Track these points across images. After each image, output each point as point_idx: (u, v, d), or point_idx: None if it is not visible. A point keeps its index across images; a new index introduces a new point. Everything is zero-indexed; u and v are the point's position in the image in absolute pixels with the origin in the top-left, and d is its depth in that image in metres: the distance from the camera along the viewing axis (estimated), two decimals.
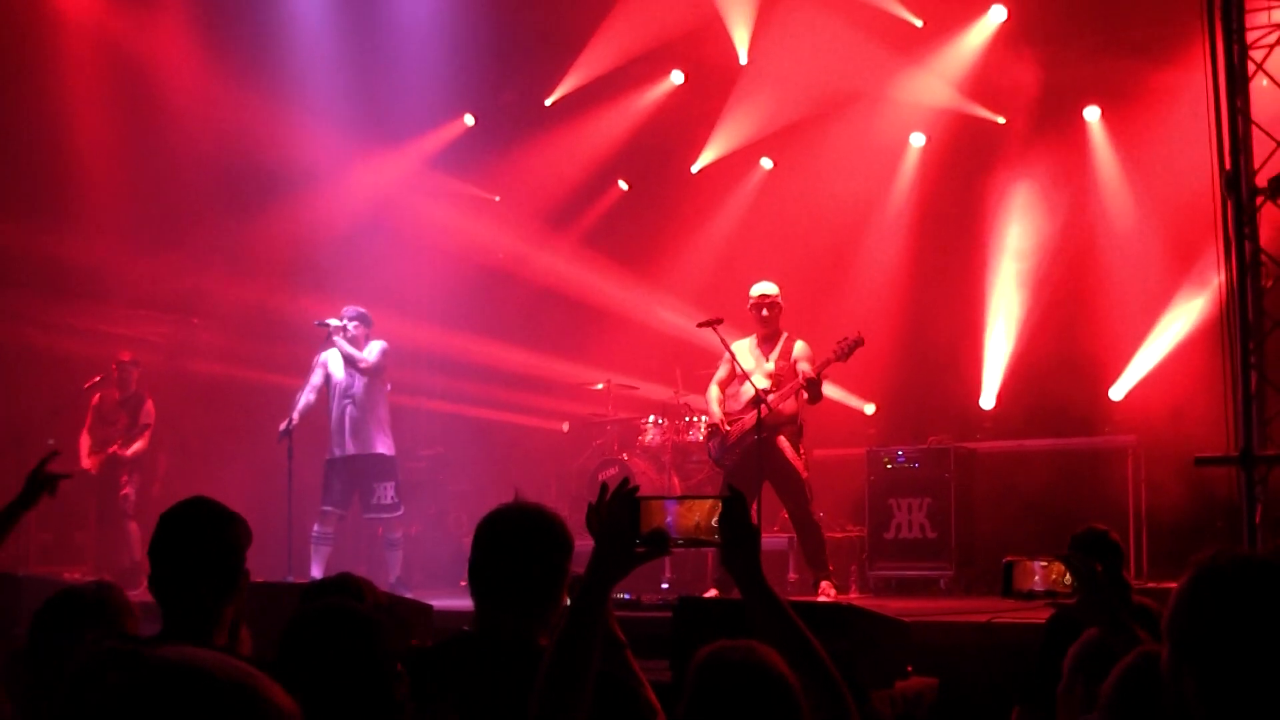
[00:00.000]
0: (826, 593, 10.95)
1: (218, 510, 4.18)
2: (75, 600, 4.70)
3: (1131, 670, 3.10)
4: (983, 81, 14.51)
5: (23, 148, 14.98)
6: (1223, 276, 8.37)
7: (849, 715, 3.18)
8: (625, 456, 14.19)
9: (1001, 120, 14.59)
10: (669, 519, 3.31)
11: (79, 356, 15.56)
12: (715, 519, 3.29)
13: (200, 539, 4.09)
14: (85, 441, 14.32)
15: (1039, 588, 3.82)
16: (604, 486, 3.40)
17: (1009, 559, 3.85)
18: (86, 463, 14.22)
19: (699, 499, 3.38)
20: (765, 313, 11.52)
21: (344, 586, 4.80)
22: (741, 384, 11.41)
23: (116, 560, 13.97)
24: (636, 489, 3.36)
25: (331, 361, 12.71)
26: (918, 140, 15.53)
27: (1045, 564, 3.80)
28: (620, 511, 3.30)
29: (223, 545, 4.11)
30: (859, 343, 11.16)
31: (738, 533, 3.29)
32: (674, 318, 15.03)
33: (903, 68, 14.68)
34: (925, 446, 12.90)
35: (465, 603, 10.16)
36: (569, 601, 4.02)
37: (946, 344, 14.84)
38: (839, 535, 13.10)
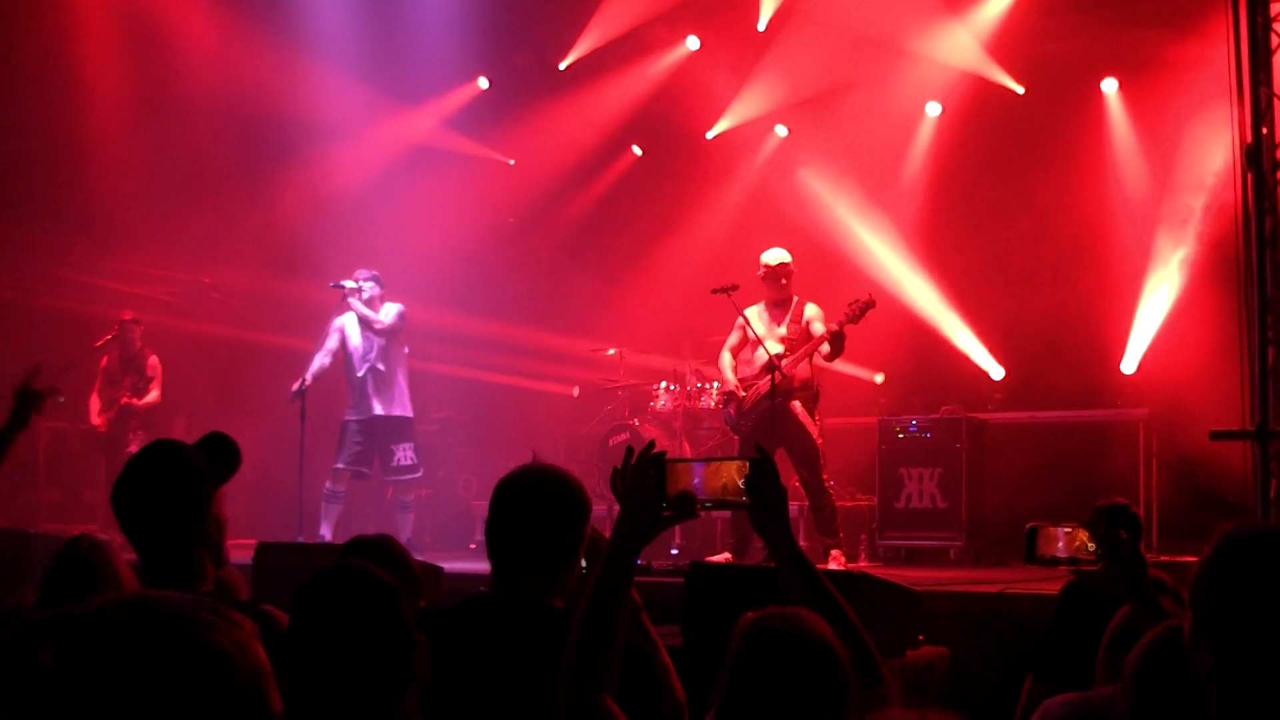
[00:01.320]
0: (836, 561, 10.94)
1: (178, 453, 4.10)
2: (73, 559, 4.69)
3: (1156, 643, 3.08)
4: (1000, 51, 14.44)
5: (36, 104, 14.96)
6: (1242, 250, 8.35)
7: (879, 678, 3.17)
8: (636, 422, 14.16)
9: (1020, 90, 14.49)
10: (696, 481, 3.29)
11: (90, 316, 15.57)
12: (742, 480, 3.27)
13: (159, 483, 4.01)
14: (94, 402, 14.37)
15: (1062, 554, 3.81)
16: (629, 450, 3.37)
17: (1032, 525, 3.84)
18: (95, 420, 14.26)
19: (726, 460, 3.36)
20: (781, 281, 11.48)
21: (382, 548, 4.77)
22: (755, 350, 11.38)
23: None
24: (664, 452, 3.33)
25: (349, 325, 12.70)
26: (934, 110, 15.47)
27: (1069, 530, 3.79)
28: (646, 475, 3.27)
29: (182, 488, 4.02)
30: (870, 304, 11.10)
31: (766, 494, 3.27)
32: (687, 284, 14.97)
33: (920, 34, 14.62)
34: (937, 416, 12.87)
35: (474, 565, 10.18)
36: (585, 564, 4.01)
37: (957, 314, 14.82)
38: (849, 504, 13.08)
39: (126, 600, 1.93)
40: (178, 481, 4.02)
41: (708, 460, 3.39)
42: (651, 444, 3.34)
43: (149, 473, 4.03)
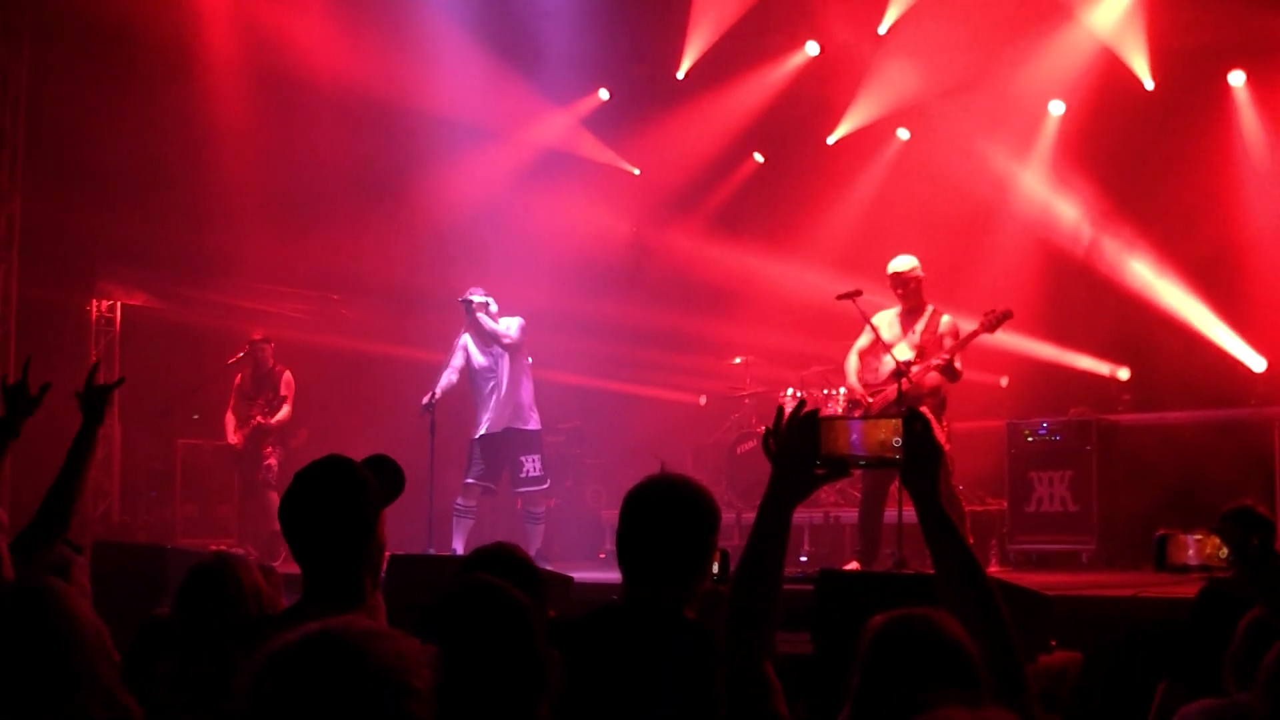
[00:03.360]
0: None
1: (351, 470, 4.11)
2: (207, 576, 4.77)
3: None
4: (1126, 46, 14.26)
5: (164, 132, 15.25)
6: None
7: (1022, 685, 3.14)
8: (763, 430, 14.12)
9: (1149, 84, 14.28)
10: (853, 437, 3.30)
11: (222, 334, 15.85)
12: (896, 438, 3.27)
13: (332, 498, 3.99)
14: (230, 419, 14.56)
15: (1193, 561, 3.77)
16: (780, 410, 3.38)
17: (1162, 532, 3.80)
18: (233, 439, 14.46)
19: (881, 419, 3.37)
20: (900, 290, 11.41)
21: (505, 556, 4.80)
22: (883, 355, 11.33)
23: (258, 531, 14.20)
24: (817, 410, 3.33)
25: (470, 343, 12.80)
26: (1057, 108, 15.31)
27: (1199, 538, 3.75)
28: (800, 432, 3.29)
29: (355, 506, 4.00)
30: (1007, 315, 10.98)
31: (921, 450, 3.26)
32: (812, 290, 14.93)
33: (1042, 32, 14.49)
34: (1066, 419, 12.73)
35: (604, 575, 10.21)
36: (716, 569, 4.03)
37: (1082, 315, 14.64)
38: (978, 508, 12.97)
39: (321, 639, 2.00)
40: (351, 499, 4.02)
41: (865, 418, 3.41)
42: (802, 403, 3.35)
43: (322, 487, 4.05)
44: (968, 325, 11.14)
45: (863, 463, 3.35)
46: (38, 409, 5.47)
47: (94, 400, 5.48)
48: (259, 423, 14.31)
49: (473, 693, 3.03)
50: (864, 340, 11.67)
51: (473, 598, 3.21)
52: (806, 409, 3.25)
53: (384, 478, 4.22)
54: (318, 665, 1.96)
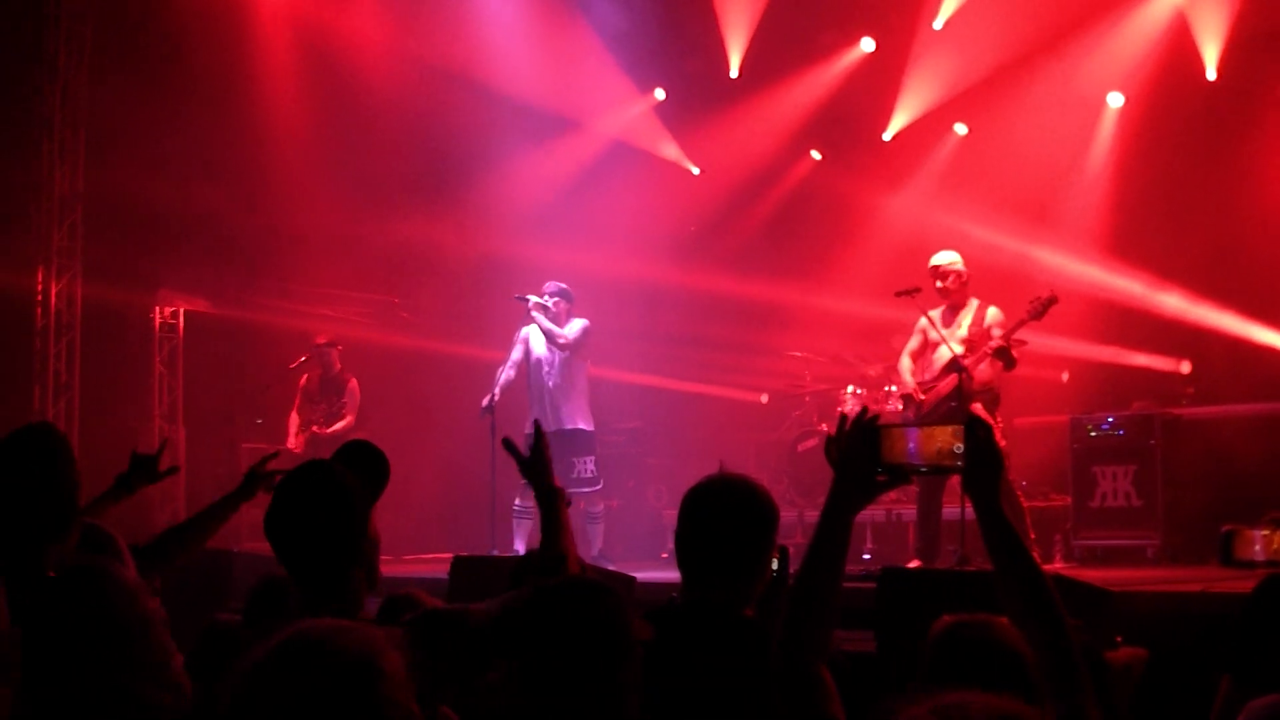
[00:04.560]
0: None
1: (330, 477, 4.05)
2: (277, 582, 4.85)
3: None
4: (1187, 36, 14.15)
5: (224, 137, 15.39)
6: None
7: (1078, 686, 3.13)
8: (824, 427, 14.13)
9: (1211, 74, 14.15)
10: (911, 445, 3.30)
11: (284, 338, 15.98)
12: (956, 445, 3.27)
13: (313, 511, 3.94)
14: (293, 421, 14.61)
15: (1260, 557, 3.74)
16: (843, 417, 3.39)
17: (1228, 528, 3.78)
18: (292, 442, 14.51)
19: (941, 425, 3.37)
20: (940, 283, 11.35)
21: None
22: (933, 351, 11.28)
23: None
24: (877, 417, 3.34)
25: (533, 337, 12.74)
26: (1116, 100, 15.20)
27: (1266, 533, 3.72)
28: (861, 440, 3.29)
29: (337, 514, 3.95)
30: (1052, 300, 10.86)
31: (981, 456, 3.26)
32: (871, 287, 14.88)
33: (1100, 23, 14.41)
34: (1130, 413, 12.65)
35: (666, 575, 10.23)
36: (775, 566, 4.04)
37: (1141, 308, 14.51)
38: (1041, 504, 12.90)
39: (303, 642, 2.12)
40: (337, 512, 3.98)
41: (922, 425, 3.41)
42: (864, 410, 3.36)
43: (301, 501, 4.00)
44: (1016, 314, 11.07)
45: (923, 470, 3.35)
46: (156, 482, 5.74)
47: (255, 482, 5.68)
48: (315, 431, 14.35)
49: (568, 688, 3.09)
50: (914, 343, 11.64)
51: (559, 596, 3.25)
52: (866, 406, 3.26)
53: (365, 468, 4.26)
54: (289, 664, 2.11)
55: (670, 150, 17.66)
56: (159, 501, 15.30)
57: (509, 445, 4.58)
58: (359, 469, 4.24)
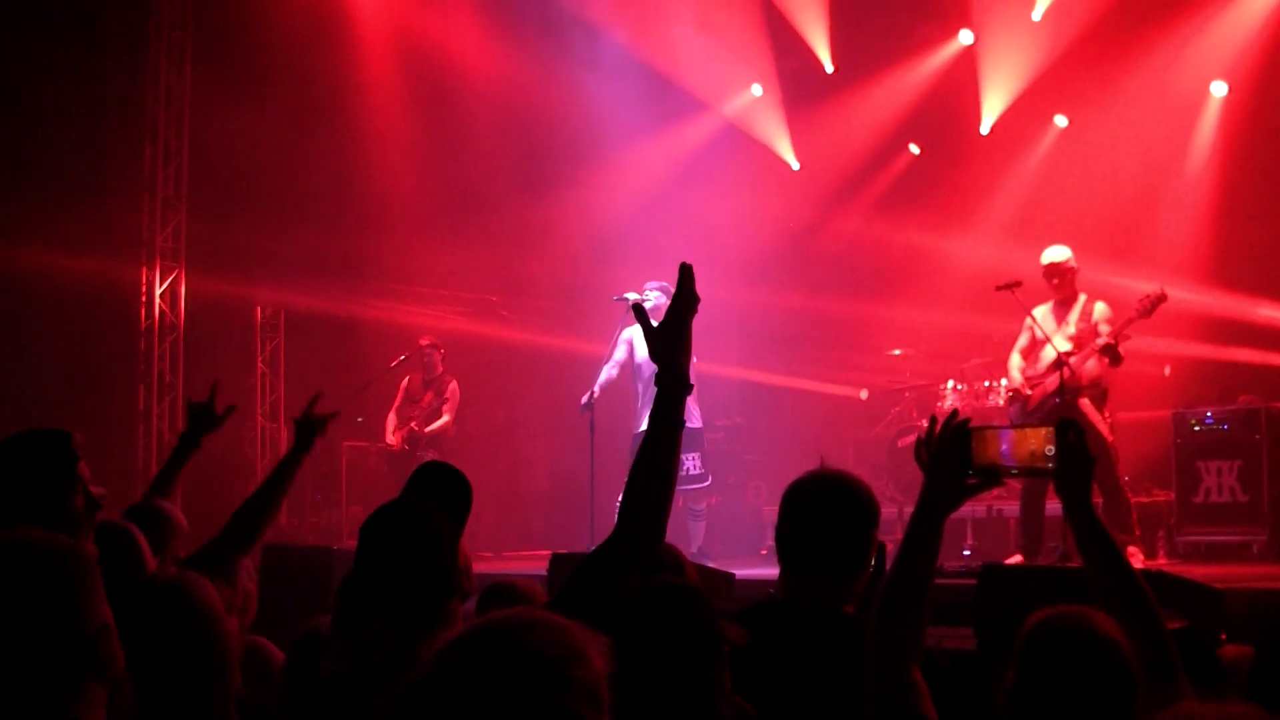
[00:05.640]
0: (1134, 558, 10.67)
1: (416, 521, 3.82)
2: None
3: None
4: None
5: (326, 135, 15.55)
6: None
7: (1175, 673, 3.12)
8: (924, 423, 14.01)
9: None
10: (1004, 447, 3.30)
11: (385, 337, 16.11)
12: (1048, 448, 3.27)
13: (400, 566, 3.72)
14: (391, 420, 14.71)
15: None
16: (933, 419, 3.39)
17: None
18: (391, 439, 14.62)
19: (1033, 427, 3.36)
20: (1056, 280, 11.26)
21: (661, 555, 4.83)
22: (1042, 348, 11.20)
23: None
24: (968, 420, 3.34)
25: (637, 337, 12.70)
26: (1219, 90, 15.00)
27: None
28: (951, 442, 3.29)
29: (424, 563, 3.73)
30: (1161, 299, 10.79)
31: (1073, 459, 3.26)
32: (971, 282, 14.79)
33: (1201, 12, 14.25)
34: (1234, 407, 12.46)
35: (765, 571, 10.21)
36: (873, 566, 4.03)
37: (1246, 303, 14.31)
38: (1145, 500, 12.77)
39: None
40: (424, 560, 3.75)
41: (1015, 427, 3.40)
42: (955, 413, 3.35)
43: (391, 559, 3.77)
44: (1125, 313, 10.96)
45: (1014, 472, 3.34)
46: (220, 426, 5.62)
47: (308, 429, 5.60)
48: (414, 428, 14.45)
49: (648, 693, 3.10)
50: (1023, 340, 11.55)
51: (656, 599, 3.28)
52: (966, 401, 3.27)
53: (446, 488, 4.19)
54: (477, 659, 1.97)
55: (769, 145, 17.63)
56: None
57: (639, 311, 4.14)
58: (439, 491, 4.18)
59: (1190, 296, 13.75)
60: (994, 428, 3.35)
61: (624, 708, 2.00)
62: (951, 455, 3.27)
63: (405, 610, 3.72)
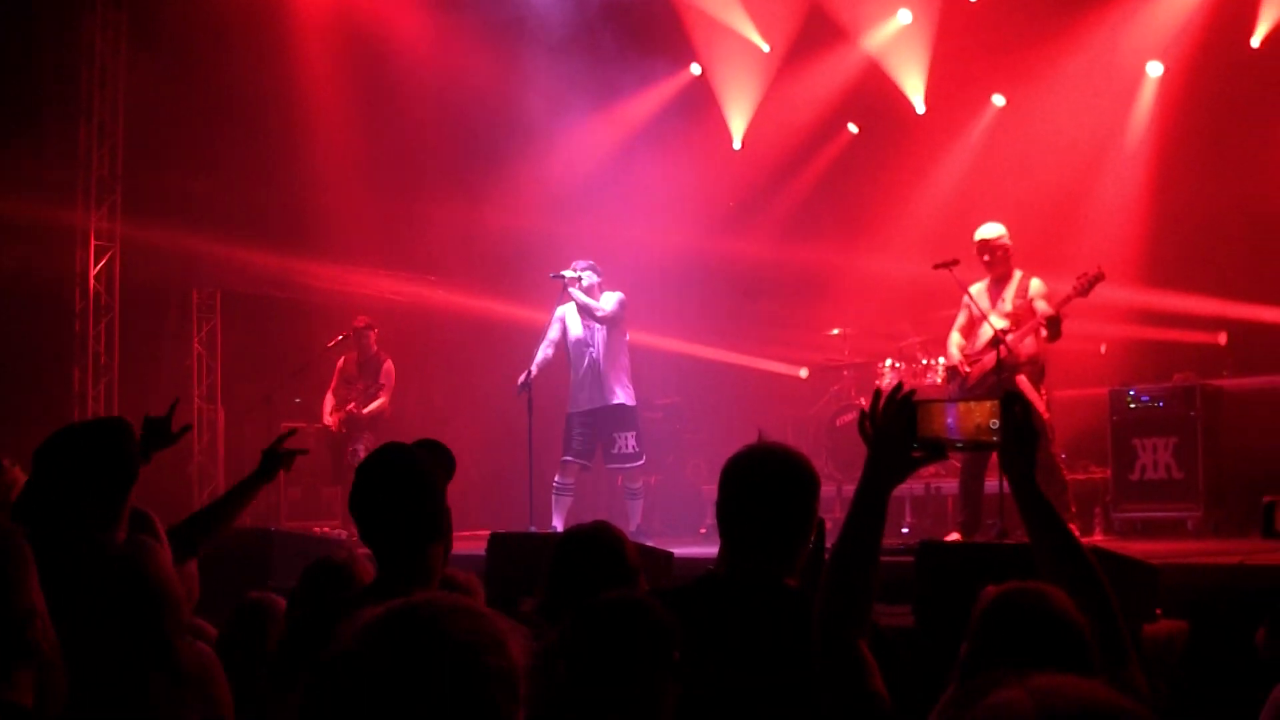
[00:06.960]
0: None
1: (407, 455, 4.20)
2: (330, 570, 4.92)
3: None
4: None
5: (262, 113, 15.46)
6: None
7: (1126, 656, 3.12)
8: (862, 402, 14.10)
9: (1256, 42, 14.04)
10: (950, 420, 3.29)
11: (322, 317, 16.05)
12: (993, 421, 3.27)
13: (396, 485, 4.10)
14: (329, 401, 14.69)
15: None
16: (877, 392, 3.38)
17: (1270, 499, 3.76)
18: (328, 419, 14.60)
19: (979, 401, 3.36)
20: (987, 257, 11.29)
21: (601, 535, 4.87)
22: (979, 325, 11.24)
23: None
24: (913, 392, 3.33)
25: (569, 315, 12.70)
26: (1155, 70, 15.09)
27: None
28: (896, 415, 3.29)
29: (419, 487, 4.12)
30: (1099, 278, 10.81)
31: (1019, 433, 3.26)
32: (909, 260, 14.84)
33: None
34: (1170, 385, 12.53)
35: (704, 549, 10.21)
36: (814, 541, 4.03)
37: (1181, 281, 14.40)
38: (1081, 477, 12.85)
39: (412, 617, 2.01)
40: (414, 481, 4.12)
41: (961, 401, 3.40)
42: (899, 386, 3.35)
43: (384, 477, 4.13)
44: (1062, 290, 11.00)
45: (960, 445, 3.34)
46: (171, 445, 5.63)
47: (274, 460, 5.69)
48: (352, 410, 14.41)
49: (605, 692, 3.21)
50: (962, 318, 11.57)
51: (605, 615, 3.32)
52: (905, 379, 3.26)
53: (438, 460, 4.34)
54: (395, 641, 1.96)
55: (706, 126, 17.64)
56: (197, 482, 15.40)
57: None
58: (431, 457, 4.35)
59: (1127, 274, 13.85)
60: (940, 401, 3.34)
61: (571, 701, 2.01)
62: (896, 428, 3.27)
63: (394, 538, 4.09)
